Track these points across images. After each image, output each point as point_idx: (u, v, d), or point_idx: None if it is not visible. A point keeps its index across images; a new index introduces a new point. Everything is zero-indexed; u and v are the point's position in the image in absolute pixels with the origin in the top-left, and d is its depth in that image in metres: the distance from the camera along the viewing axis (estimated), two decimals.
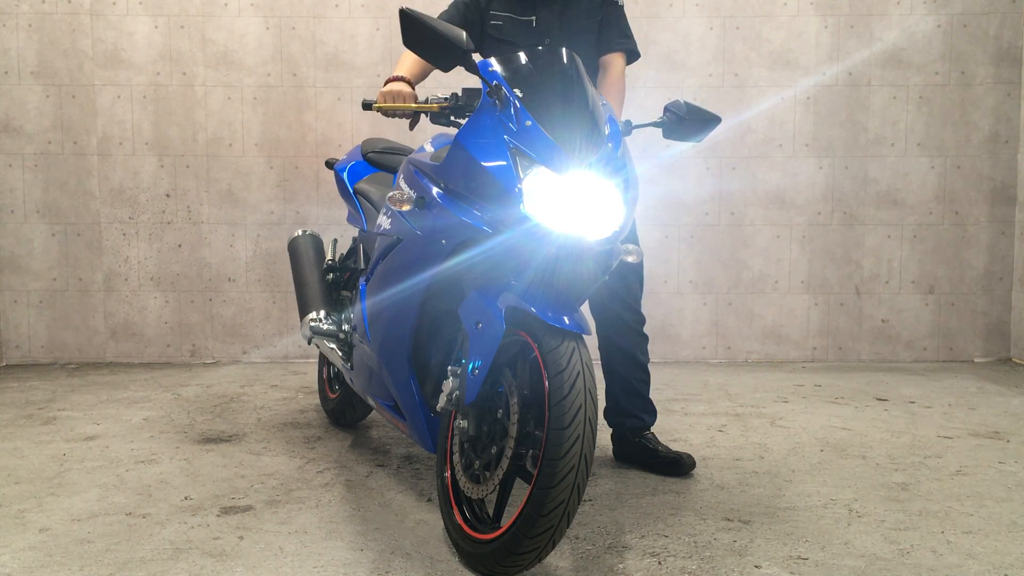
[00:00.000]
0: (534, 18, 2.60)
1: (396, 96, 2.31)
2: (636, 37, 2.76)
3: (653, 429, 2.76)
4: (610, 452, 2.80)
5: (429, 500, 2.38)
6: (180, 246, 4.37)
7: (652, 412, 2.73)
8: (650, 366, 2.75)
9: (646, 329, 2.72)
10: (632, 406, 2.69)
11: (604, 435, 2.83)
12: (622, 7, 2.68)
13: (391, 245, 2.30)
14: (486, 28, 2.64)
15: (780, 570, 1.94)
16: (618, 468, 2.68)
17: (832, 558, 2.00)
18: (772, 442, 2.95)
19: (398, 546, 2.06)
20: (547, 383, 1.78)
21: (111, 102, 4.30)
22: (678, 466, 2.59)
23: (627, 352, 2.67)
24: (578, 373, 1.77)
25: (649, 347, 2.75)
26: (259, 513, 2.28)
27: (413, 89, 2.40)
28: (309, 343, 2.88)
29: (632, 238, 2.60)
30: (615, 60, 2.66)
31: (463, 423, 1.96)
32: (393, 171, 2.95)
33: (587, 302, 2.67)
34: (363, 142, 3.18)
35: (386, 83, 2.41)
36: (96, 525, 2.19)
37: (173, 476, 2.59)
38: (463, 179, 1.98)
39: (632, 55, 2.70)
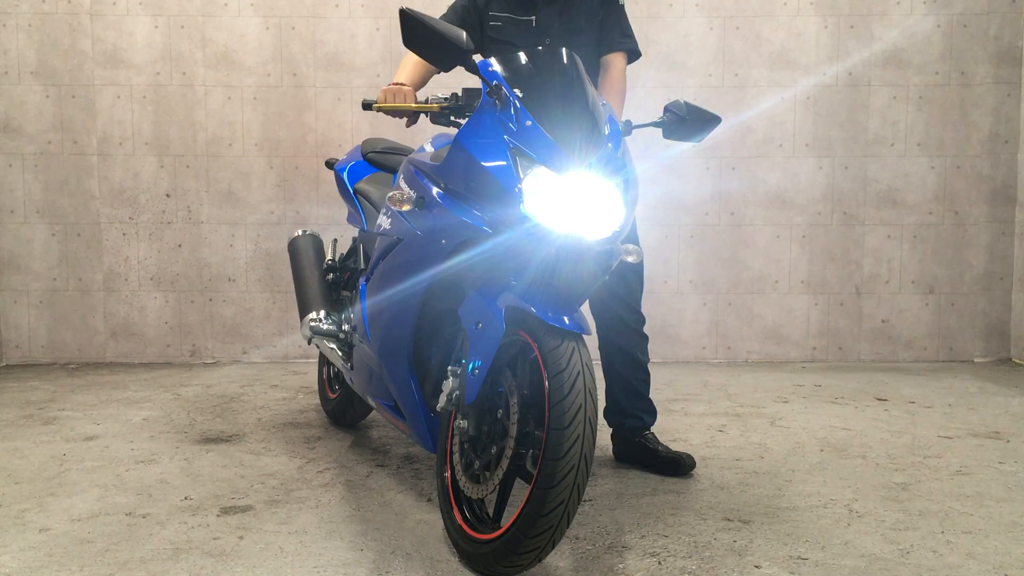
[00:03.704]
0: (534, 18, 2.59)
1: (396, 94, 2.31)
2: (636, 37, 2.76)
3: (653, 429, 2.76)
4: (610, 452, 2.80)
5: (429, 500, 2.38)
6: (180, 246, 4.37)
7: (652, 412, 2.73)
8: (650, 366, 2.75)
9: (646, 329, 2.72)
10: (632, 406, 2.69)
11: (604, 435, 2.83)
12: (623, 6, 2.68)
13: (391, 245, 2.31)
14: (485, 29, 2.64)
15: (780, 570, 1.94)
16: (618, 468, 2.68)
17: (832, 558, 2.00)
18: (772, 442, 2.95)
19: (398, 546, 2.06)
20: (547, 383, 1.78)
21: (111, 102, 4.30)
22: (678, 466, 2.59)
23: (627, 352, 2.67)
24: (578, 373, 1.77)
25: (649, 347, 2.75)
26: (259, 513, 2.28)
27: (415, 90, 2.41)
28: (309, 343, 2.88)
29: (632, 238, 2.60)
30: (616, 60, 2.65)
31: (463, 423, 1.96)
32: (393, 171, 2.96)
33: (587, 302, 2.67)
34: (363, 142, 3.18)
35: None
36: (96, 525, 2.19)
37: (173, 476, 2.59)
38: (463, 179, 1.98)
39: (633, 55, 2.70)
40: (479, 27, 2.64)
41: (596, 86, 2.63)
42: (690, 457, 2.61)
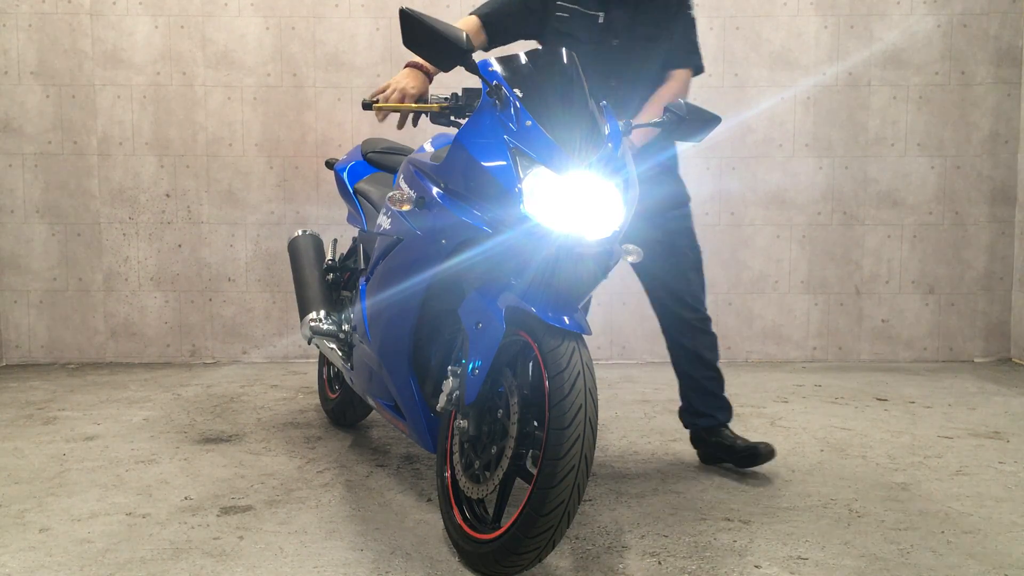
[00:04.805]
0: (602, 15, 2.50)
1: (401, 92, 2.30)
2: None
3: (727, 425, 2.71)
4: (610, 452, 2.81)
5: (429, 500, 2.38)
6: (180, 246, 4.37)
7: (726, 408, 2.70)
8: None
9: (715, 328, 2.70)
10: (705, 405, 2.67)
11: (605, 434, 2.83)
12: (695, 19, 2.60)
13: (391, 245, 2.31)
14: (549, 19, 2.55)
15: (780, 570, 1.94)
16: (618, 468, 2.68)
17: (832, 558, 2.00)
18: (772, 442, 2.94)
19: (398, 546, 2.06)
20: (547, 383, 1.78)
21: (111, 102, 4.30)
22: (755, 457, 2.57)
23: (692, 351, 2.65)
24: (578, 373, 1.77)
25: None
26: (259, 513, 2.28)
27: (430, 77, 2.37)
28: (309, 343, 2.88)
29: (691, 240, 2.63)
30: (681, 74, 2.59)
31: (463, 423, 1.96)
32: (393, 171, 2.95)
33: (648, 302, 2.67)
34: (363, 142, 3.18)
35: (405, 66, 2.39)
36: (96, 525, 2.19)
37: (173, 476, 2.59)
38: (463, 179, 1.98)
39: (698, 70, 2.64)
40: (541, 14, 2.55)
41: (656, 94, 2.54)
42: (767, 446, 2.58)
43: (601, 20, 2.51)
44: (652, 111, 2.49)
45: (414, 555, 2.01)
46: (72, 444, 2.93)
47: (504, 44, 2.59)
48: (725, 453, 2.63)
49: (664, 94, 2.55)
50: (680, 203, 2.68)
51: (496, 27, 2.56)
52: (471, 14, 2.58)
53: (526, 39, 2.64)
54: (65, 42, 4.26)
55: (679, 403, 2.74)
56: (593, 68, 2.43)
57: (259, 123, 4.33)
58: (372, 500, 2.38)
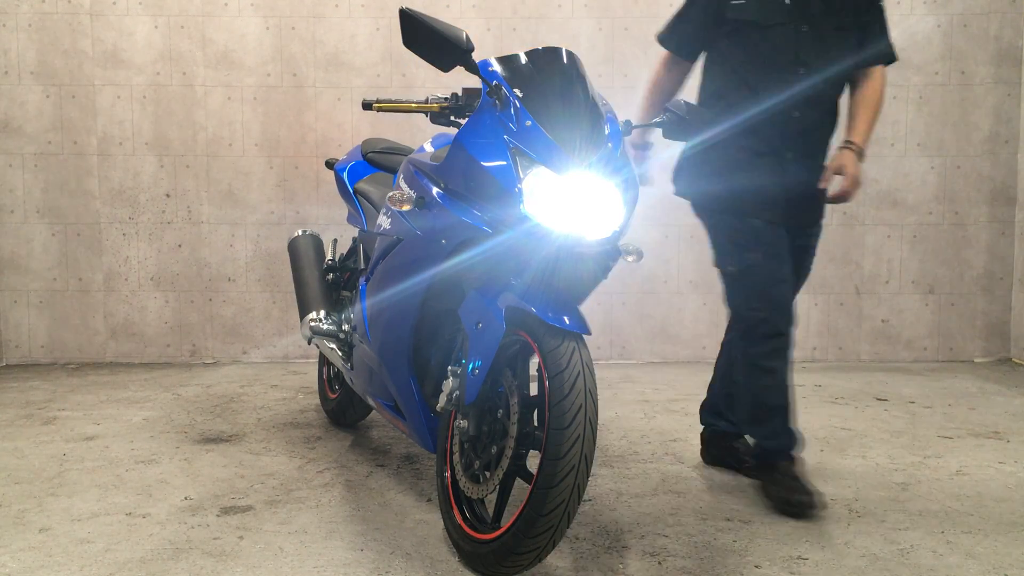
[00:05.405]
0: None
1: None
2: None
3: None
4: (611, 451, 2.80)
5: (429, 500, 2.38)
6: (180, 246, 4.37)
7: None
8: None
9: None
10: (732, 413, 2.65)
11: (604, 436, 2.82)
12: (884, 9, 2.50)
13: (391, 245, 2.31)
14: (725, 10, 2.42)
15: (780, 570, 1.94)
16: (617, 468, 2.68)
17: (832, 558, 2.00)
18: None
19: (398, 546, 2.06)
20: (547, 383, 1.78)
21: (111, 102, 4.30)
22: (772, 471, 2.52)
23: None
24: (578, 373, 1.77)
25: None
26: (259, 513, 2.28)
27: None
28: (309, 343, 2.88)
29: (813, 254, 2.57)
30: (879, 70, 2.52)
31: (463, 423, 1.96)
32: (393, 171, 2.96)
33: (723, 294, 2.60)
34: (363, 142, 3.18)
35: None
36: (96, 525, 2.19)
37: (173, 476, 2.59)
38: (463, 179, 1.98)
39: (891, 61, 2.56)
40: (719, 11, 2.44)
41: (847, 93, 2.48)
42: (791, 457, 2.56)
43: (788, 1, 2.38)
44: (865, 115, 2.51)
45: (414, 555, 2.01)
46: (72, 444, 2.93)
47: (703, 52, 2.61)
48: (735, 461, 2.63)
49: (868, 95, 2.50)
50: (820, 216, 2.60)
51: (688, 49, 2.61)
52: (660, 43, 2.62)
53: (714, 41, 2.54)
54: (65, 42, 4.26)
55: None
56: (781, 51, 2.38)
57: (259, 123, 4.33)
58: (372, 500, 2.38)
